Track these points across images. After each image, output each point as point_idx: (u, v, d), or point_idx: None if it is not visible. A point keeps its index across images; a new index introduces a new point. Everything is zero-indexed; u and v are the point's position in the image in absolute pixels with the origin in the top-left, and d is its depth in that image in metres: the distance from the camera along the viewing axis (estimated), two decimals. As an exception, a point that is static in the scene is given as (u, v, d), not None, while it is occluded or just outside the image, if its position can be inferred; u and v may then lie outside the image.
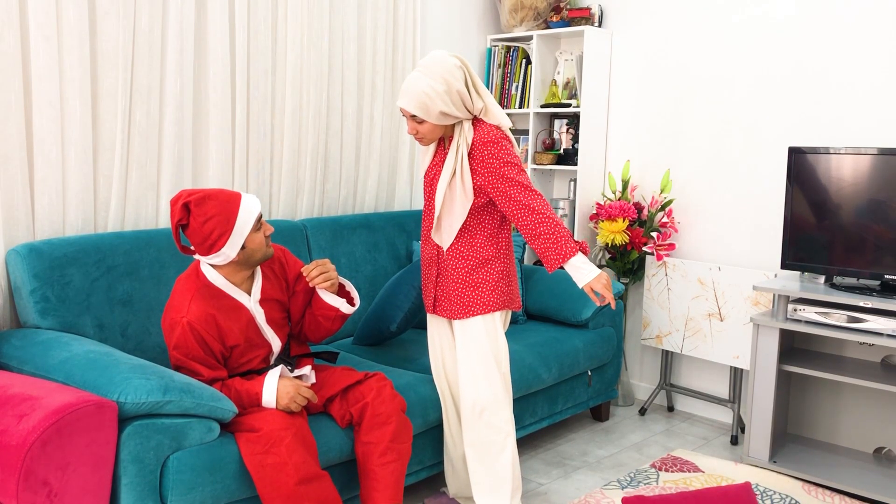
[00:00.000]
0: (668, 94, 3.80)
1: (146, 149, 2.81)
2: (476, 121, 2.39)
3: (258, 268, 2.37)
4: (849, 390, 3.25)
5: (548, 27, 4.08)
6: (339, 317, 2.41)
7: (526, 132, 4.22)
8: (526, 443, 3.41)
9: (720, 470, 3.02)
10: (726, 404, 3.61)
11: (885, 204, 2.89)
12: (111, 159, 2.74)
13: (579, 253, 2.29)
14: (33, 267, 2.40)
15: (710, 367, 3.76)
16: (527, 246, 3.92)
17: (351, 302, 2.48)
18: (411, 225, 3.59)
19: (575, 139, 4.04)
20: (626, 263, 3.80)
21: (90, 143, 2.65)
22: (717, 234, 3.67)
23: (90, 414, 1.85)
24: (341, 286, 2.48)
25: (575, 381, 3.37)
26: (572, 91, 4.09)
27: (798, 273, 3.31)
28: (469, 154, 2.37)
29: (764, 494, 2.82)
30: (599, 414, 3.70)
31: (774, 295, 3.04)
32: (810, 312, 2.96)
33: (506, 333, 3.29)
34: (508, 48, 4.18)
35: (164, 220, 2.90)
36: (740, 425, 3.58)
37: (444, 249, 2.47)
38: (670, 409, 3.88)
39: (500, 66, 4.20)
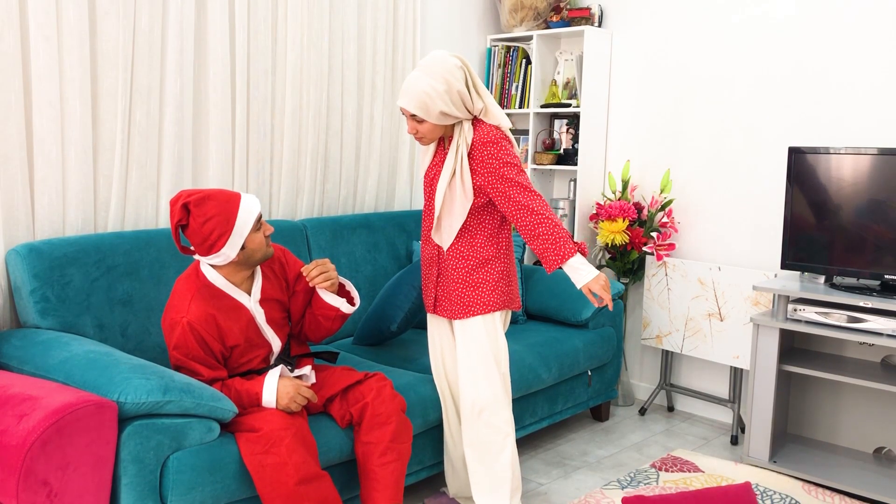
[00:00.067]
0: (668, 94, 3.80)
1: (146, 149, 2.81)
2: (476, 121, 2.39)
3: (258, 268, 2.37)
4: (849, 390, 3.25)
5: (548, 27, 4.08)
6: (339, 316, 2.41)
7: (526, 132, 4.22)
8: (526, 443, 3.41)
9: (720, 470, 3.02)
10: (726, 404, 3.61)
11: (885, 204, 2.89)
12: (111, 159, 2.74)
13: (578, 254, 2.29)
14: (33, 267, 2.40)
15: (710, 367, 3.76)
16: (527, 246, 3.92)
17: (351, 302, 2.48)
18: (411, 225, 3.59)
19: (575, 139, 4.04)
20: (626, 263, 3.80)
21: (90, 143, 2.65)
22: (717, 234, 3.67)
23: (90, 414, 1.85)
24: (341, 286, 2.48)
25: (575, 381, 3.37)
26: (572, 91, 4.09)
27: (798, 273, 3.31)
28: (469, 154, 2.37)
29: (764, 494, 2.82)
30: (599, 414, 3.70)
31: (774, 295, 3.04)
32: (810, 312, 2.96)
33: (506, 333, 3.29)
34: (508, 48, 4.18)
35: (164, 220, 2.90)
36: (740, 425, 3.58)
37: (445, 250, 2.47)
38: (670, 409, 3.88)
39: (500, 66, 4.20)
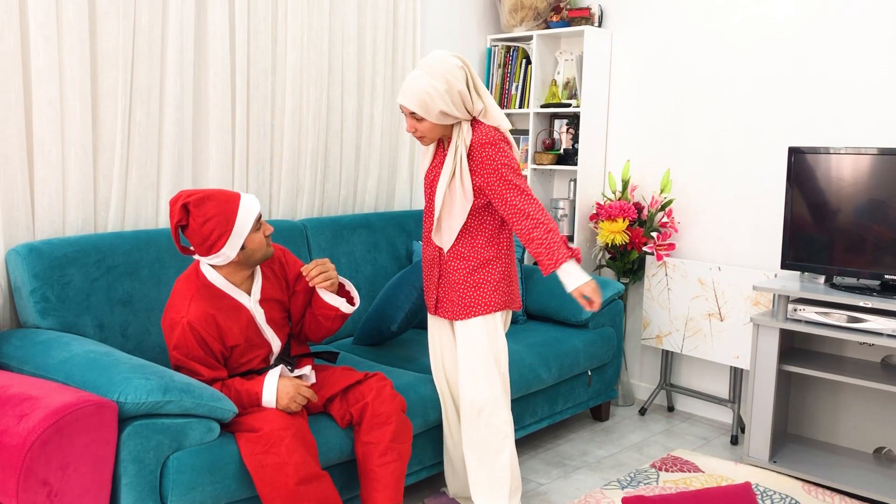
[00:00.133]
0: (668, 94, 3.80)
1: (146, 149, 2.81)
2: (475, 122, 2.39)
3: (258, 268, 2.37)
4: (849, 390, 3.25)
5: (548, 27, 4.08)
6: (339, 316, 2.41)
7: (526, 132, 4.22)
8: (526, 443, 3.41)
9: (720, 470, 3.02)
10: (726, 404, 3.61)
11: (885, 204, 2.89)
12: (111, 159, 2.74)
13: (571, 259, 2.30)
14: (33, 267, 2.40)
15: (710, 367, 3.76)
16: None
17: (351, 301, 2.48)
18: (411, 225, 3.59)
19: (575, 139, 4.04)
20: (626, 263, 3.80)
21: (90, 143, 2.65)
22: (717, 234, 3.67)
23: (90, 414, 1.85)
24: (341, 286, 2.48)
25: (575, 381, 3.37)
26: (572, 91, 4.09)
27: (798, 273, 3.31)
28: (468, 155, 2.37)
29: (764, 494, 2.82)
30: (599, 414, 3.70)
31: (774, 295, 3.04)
32: (810, 312, 2.96)
33: (506, 333, 3.29)
34: (508, 48, 4.18)
35: (164, 220, 2.90)
36: (740, 425, 3.58)
37: (445, 251, 2.47)
38: (670, 409, 3.88)
39: (500, 66, 4.20)
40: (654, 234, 3.67)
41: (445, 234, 2.45)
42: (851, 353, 3.22)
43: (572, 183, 4.04)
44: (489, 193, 2.37)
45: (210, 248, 2.19)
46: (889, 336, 2.79)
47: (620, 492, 2.83)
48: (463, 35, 4.12)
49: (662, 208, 3.72)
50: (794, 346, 3.31)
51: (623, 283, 3.76)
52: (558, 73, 4.13)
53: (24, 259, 2.40)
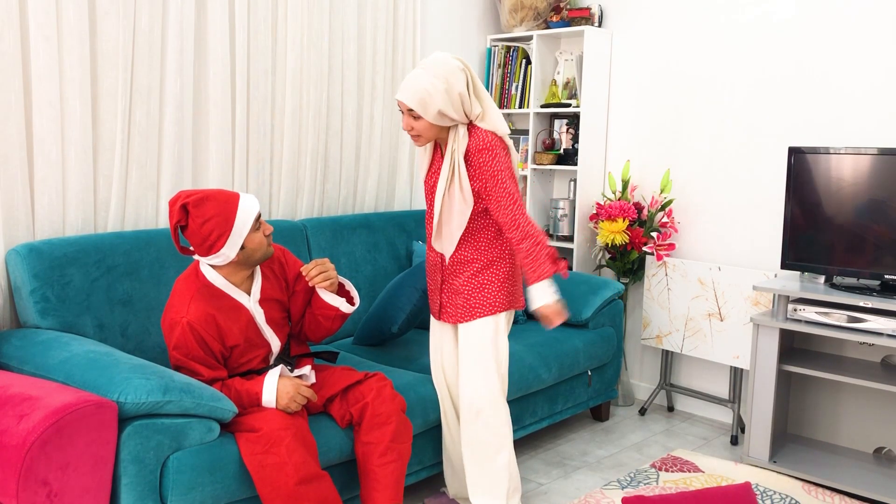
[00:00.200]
0: (668, 94, 3.80)
1: (146, 149, 2.81)
2: (471, 126, 2.38)
3: (258, 268, 2.37)
4: (849, 390, 3.25)
5: (548, 27, 4.08)
6: (339, 316, 2.41)
7: (526, 132, 4.22)
8: (526, 443, 3.41)
9: (720, 470, 3.02)
10: (726, 404, 3.61)
11: (885, 204, 2.89)
12: (111, 159, 2.74)
13: (551, 278, 2.34)
14: (33, 267, 2.40)
15: (710, 367, 3.76)
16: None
17: (350, 301, 2.48)
18: (411, 225, 3.59)
19: (575, 139, 4.04)
20: (626, 263, 3.80)
21: (90, 143, 2.65)
22: (717, 234, 3.67)
23: (90, 414, 1.85)
24: (341, 285, 2.48)
25: (575, 381, 3.37)
26: (572, 91, 4.09)
27: (798, 273, 3.31)
28: (465, 160, 2.36)
29: (764, 494, 2.82)
30: (599, 414, 3.70)
31: (774, 295, 3.04)
32: (810, 312, 2.96)
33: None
34: (508, 48, 4.18)
35: (163, 220, 2.90)
36: (740, 425, 3.58)
37: (447, 258, 2.47)
38: (670, 409, 3.88)
39: (500, 66, 4.20)
40: (654, 234, 3.67)
41: (446, 240, 2.44)
42: (851, 353, 3.22)
43: (572, 183, 4.04)
44: (485, 198, 2.37)
45: (210, 249, 2.19)
46: (889, 336, 2.79)
47: (620, 492, 2.83)
48: (463, 35, 4.12)
49: (662, 208, 3.72)
50: (794, 346, 3.31)
51: (623, 283, 3.76)
52: (558, 73, 4.13)
53: (24, 259, 2.40)
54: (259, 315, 2.32)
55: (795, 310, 2.99)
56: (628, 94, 3.96)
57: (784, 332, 3.06)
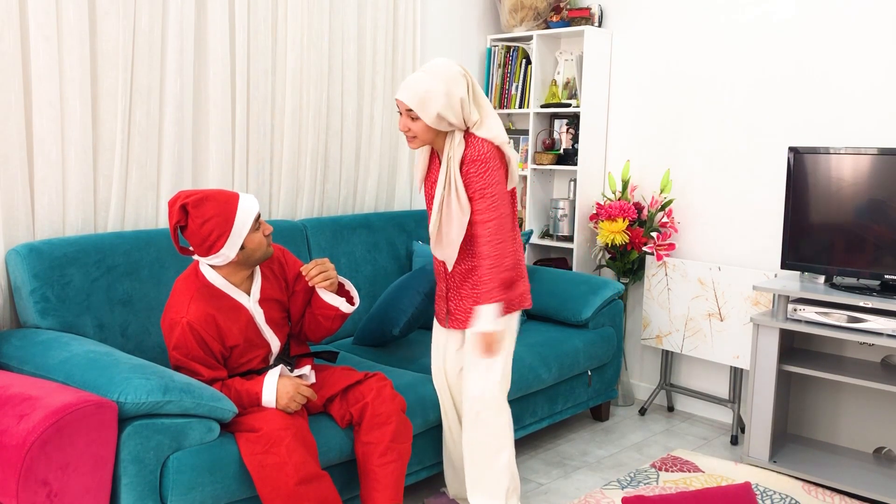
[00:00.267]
0: (668, 94, 3.80)
1: (146, 149, 2.81)
2: (468, 135, 2.36)
3: (257, 268, 2.37)
4: (849, 390, 3.25)
5: (548, 27, 4.08)
6: (339, 316, 2.41)
7: (526, 132, 4.22)
8: (526, 443, 3.41)
9: (720, 470, 3.02)
10: (726, 404, 3.61)
11: (885, 204, 2.89)
12: (111, 159, 2.74)
13: (495, 305, 2.31)
14: (33, 267, 2.40)
15: (710, 367, 3.76)
16: (527, 245, 3.92)
17: (350, 301, 2.48)
18: (411, 225, 3.59)
19: (575, 139, 4.04)
20: (626, 263, 3.79)
21: (90, 143, 2.65)
22: (717, 234, 3.67)
23: (90, 414, 1.85)
24: (340, 285, 2.48)
25: (575, 381, 3.37)
26: (572, 91, 4.09)
27: (798, 273, 3.31)
28: (459, 169, 2.35)
29: (764, 494, 2.82)
30: (599, 414, 3.70)
31: (774, 295, 3.04)
32: (810, 312, 2.96)
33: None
34: (508, 48, 4.18)
35: (163, 220, 2.90)
36: (740, 425, 3.58)
37: (450, 268, 2.46)
38: (670, 409, 3.88)
39: (500, 66, 4.20)
40: (654, 234, 3.67)
41: (447, 248, 2.43)
42: (851, 353, 3.22)
43: (572, 183, 4.04)
44: (472, 210, 2.36)
45: (209, 249, 2.19)
46: (889, 336, 2.79)
47: (620, 492, 2.83)
48: (463, 35, 4.12)
49: (662, 208, 3.72)
50: (794, 346, 3.31)
51: (623, 283, 3.76)
52: (558, 73, 4.13)
53: (24, 259, 2.40)
54: (259, 315, 2.32)
55: (795, 310, 2.99)
56: (628, 94, 3.96)
57: (784, 332, 3.06)
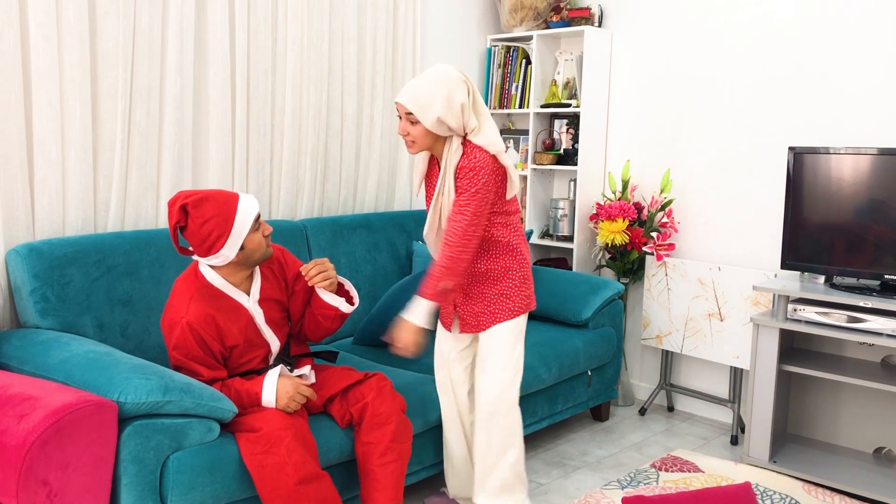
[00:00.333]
0: (668, 94, 3.80)
1: (146, 149, 2.81)
2: (465, 142, 2.35)
3: (257, 268, 2.37)
4: (849, 390, 3.25)
5: (548, 27, 4.08)
6: (339, 316, 2.41)
7: (526, 132, 4.22)
8: (526, 443, 3.41)
9: (720, 470, 3.02)
10: (726, 404, 3.60)
11: (885, 204, 2.89)
12: (111, 159, 2.74)
13: (431, 301, 2.31)
14: (33, 267, 2.40)
15: (710, 367, 3.76)
16: (528, 243, 3.92)
17: (350, 301, 2.48)
18: (411, 225, 3.59)
19: (575, 139, 4.04)
20: (626, 263, 3.80)
21: (90, 143, 2.65)
22: (717, 234, 3.67)
23: (90, 414, 1.85)
24: (340, 285, 2.48)
25: (575, 381, 3.37)
26: (572, 91, 4.09)
27: (798, 273, 3.31)
28: (455, 176, 2.35)
29: (764, 494, 2.82)
30: (599, 414, 3.70)
31: (774, 295, 3.04)
32: (810, 312, 2.96)
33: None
34: (508, 48, 4.18)
35: (163, 221, 2.90)
36: (740, 425, 3.58)
37: None
38: (670, 409, 3.88)
39: (500, 66, 4.20)
40: (653, 234, 3.67)
41: None
42: (851, 353, 3.22)
43: (572, 183, 4.04)
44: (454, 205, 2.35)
45: (209, 249, 2.19)
46: (889, 336, 2.79)
47: (620, 492, 2.83)
48: (463, 35, 4.12)
49: (662, 208, 3.72)
50: (794, 346, 3.31)
51: (623, 283, 3.76)
52: (558, 73, 4.13)
53: (24, 259, 2.40)
54: (258, 315, 2.32)
55: (795, 310, 2.99)
56: (628, 94, 3.96)
57: (784, 332, 3.06)
